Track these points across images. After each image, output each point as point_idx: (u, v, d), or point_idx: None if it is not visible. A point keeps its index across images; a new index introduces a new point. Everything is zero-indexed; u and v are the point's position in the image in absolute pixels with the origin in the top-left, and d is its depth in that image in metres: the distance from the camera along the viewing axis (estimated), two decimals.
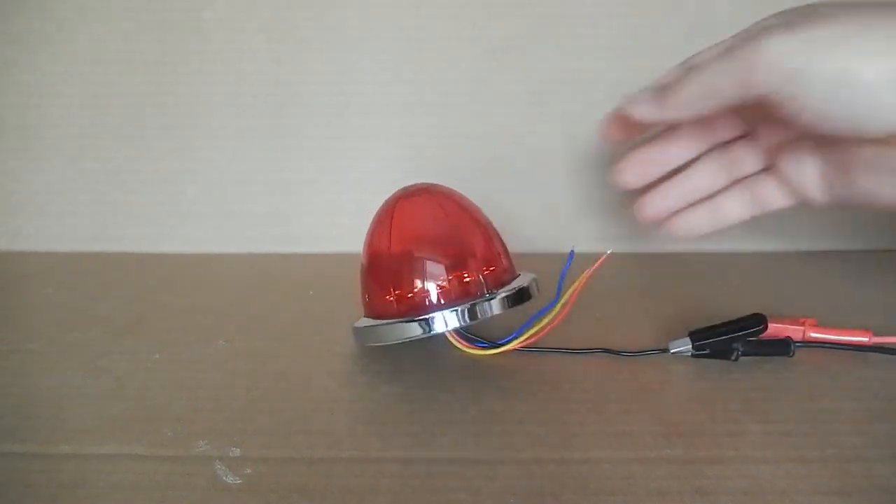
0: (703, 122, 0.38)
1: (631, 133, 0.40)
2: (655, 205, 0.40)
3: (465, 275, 0.35)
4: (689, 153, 0.40)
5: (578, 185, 0.57)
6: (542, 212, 0.57)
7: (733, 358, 0.35)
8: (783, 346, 0.36)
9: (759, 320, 0.36)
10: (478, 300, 0.34)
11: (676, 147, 0.40)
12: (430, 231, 0.36)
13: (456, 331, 0.35)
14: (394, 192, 0.38)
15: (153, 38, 0.57)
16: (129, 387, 0.35)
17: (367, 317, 0.37)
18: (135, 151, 0.58)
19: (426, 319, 0.33)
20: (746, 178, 0.39)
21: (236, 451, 0.29)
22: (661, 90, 0.34)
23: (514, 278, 0.37)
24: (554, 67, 0.56)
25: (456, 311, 0.33)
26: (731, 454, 0.28)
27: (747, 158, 0.39)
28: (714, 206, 0.40)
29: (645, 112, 0.35)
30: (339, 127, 0.57)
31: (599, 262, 0.36)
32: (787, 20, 0.30)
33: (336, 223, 0.57)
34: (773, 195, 0.39)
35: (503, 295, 0.34)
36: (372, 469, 0.28)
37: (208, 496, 0.26)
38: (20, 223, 0.59)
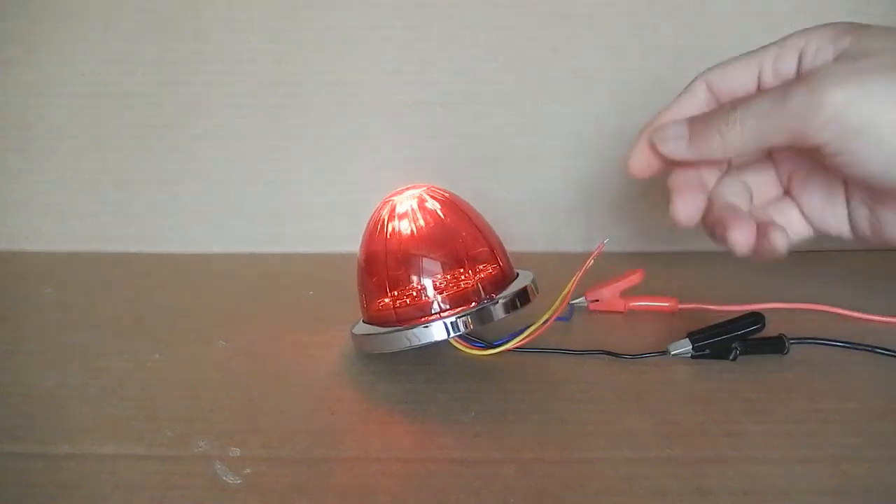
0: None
1: (661, 168, 0.35)
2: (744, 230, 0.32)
3: (463, 279, 0.35)
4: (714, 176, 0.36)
5: (578, 184, 0.57)
6: (541, 211, 0.57)
7: (731, 358, 0.36)
8: (777, 344, 0.36)
9: (756, 319, 0.36)
10: (476, 307, 0.34)
11: (707, 173, 0.35)
12: (427, 235, 0.36)
13: None
14: (389, 193, 0.38)
15: (153, 38, 0.57)
16: (129, 387, 0.35)
17: (366, 322, 0.37)
18: (135, 151, 0.58)
19: (425, 328, 0.33)
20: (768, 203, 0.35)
21: (236, 451, 0.29)
22: (698, 126, 0.31)
23: (513, 279, 0.37)
24: (554, 67, 0.56)
25: (455, 320, 0.33)
26: (731, 454, 0.28)
27: (767, 184, 0.35)
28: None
29: (679, 150, 0.31)
30: (339, 127, 0.57)
31: (596, 251, 0.36)
32: (852, 65, 0.27)
33: (336, 223, 0.57)
34: (794, 224, 0.34)
35: (502, 301, 0.34)
36: (372, 469, 0.28)
37: (208, 496, 0.26)
38: (20, 223, 0.59)
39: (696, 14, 0.55)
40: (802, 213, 0.34)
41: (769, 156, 0.35)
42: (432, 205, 0.37)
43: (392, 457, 0.29)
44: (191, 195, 0.58)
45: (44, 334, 0.42)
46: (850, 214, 0.32)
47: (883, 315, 0.41)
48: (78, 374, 0.36)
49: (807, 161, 0.33)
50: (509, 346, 0.36)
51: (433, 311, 0.34)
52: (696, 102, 0.34)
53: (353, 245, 0.39)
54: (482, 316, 0.33)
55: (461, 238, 0.36)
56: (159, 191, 0.58)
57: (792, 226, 0.33)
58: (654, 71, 0.55)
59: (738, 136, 0.29)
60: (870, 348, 0.36)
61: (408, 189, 0.38)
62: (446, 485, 0.27)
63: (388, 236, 0.36)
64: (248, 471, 0.28)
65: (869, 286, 0.47)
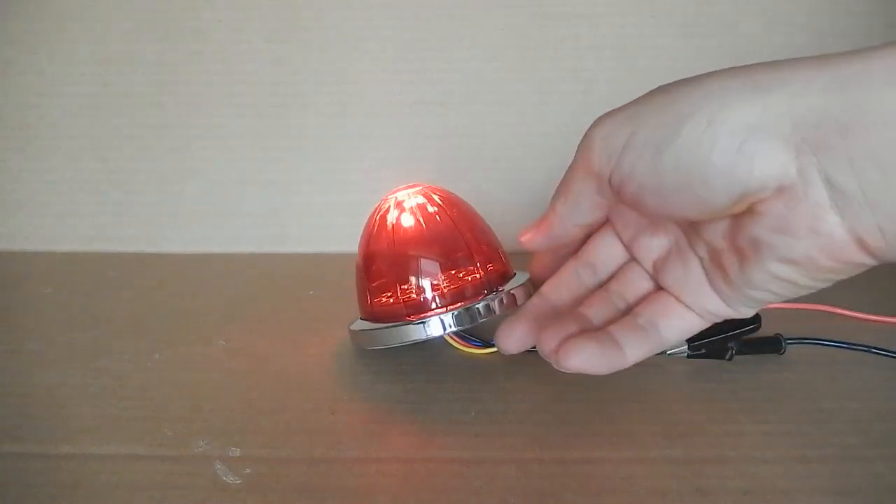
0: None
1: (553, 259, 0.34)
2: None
3: (461, 276, 0.35)
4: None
5: None
6: (540, 211, 0.57)
7: (728, 357, 0.36)
8: (774, 344, 0.36)
9: (752, 318, 0.36)
10: (474, 302, 0.34)
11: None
12: (425, 232, 0.36)
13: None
14: (388, 192, 0.38)
15: (153, 38, 0.57)
16: (129, 387, 0.35)
17: (363, 318, 0.37)
18: (135, 151, 0.58)
19: (422, 323, 0.33)
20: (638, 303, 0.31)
21: (236, 451, 0.29)
22: (543, 215, 0.33)
23: (511, 278, 0.37)
24: (554, 67, 0.56)
25: (452, 314, 0.33)
26: (731, 454, 0.28)
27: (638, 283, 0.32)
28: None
29: (531, 238, 0.32)
30: (339, 127, 0.57)
31: None
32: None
33: (336, 223, 0.58)
34: (675, 316, 0.30)
35: (499, 296, 0.34)
36: (372, 469, 0.28)
37: (208, 496, 0.26)
38: (20, 223, 0.59)
39: (696, 14, 0.55)
40: (678, 300, 0.30)
41: (634, 260, 0.32)
42: (431, 204, 0.37)
43: (392, 457, 0.29)
44: (191, 195, 0.58)
45: (44, 334, 0.42)
46: (712, 286, 0.28)
47: (883, 315, 0.41)
48: (78, 374, 0.36)
49: (663, 240, 0.31)
50: None
51: (431, 309, 0.34)
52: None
53: (353, 245, 0.39)
54: (480, 314, 0.33)
55: (460, 237, 0.36)
56: (159, 191, 0.58)
57: (675, 319, 0.30)
58: (654, 71, 0.55)
59: (565, 204, 0.31)
60: (867, 348, 0.36)
61: (407, 188, 0.38)
62: (446, 485, 0.27)
63: (386, 234, 0.36)
64: (248, 471, 0.28)
65: (868, 286, 0.46)
